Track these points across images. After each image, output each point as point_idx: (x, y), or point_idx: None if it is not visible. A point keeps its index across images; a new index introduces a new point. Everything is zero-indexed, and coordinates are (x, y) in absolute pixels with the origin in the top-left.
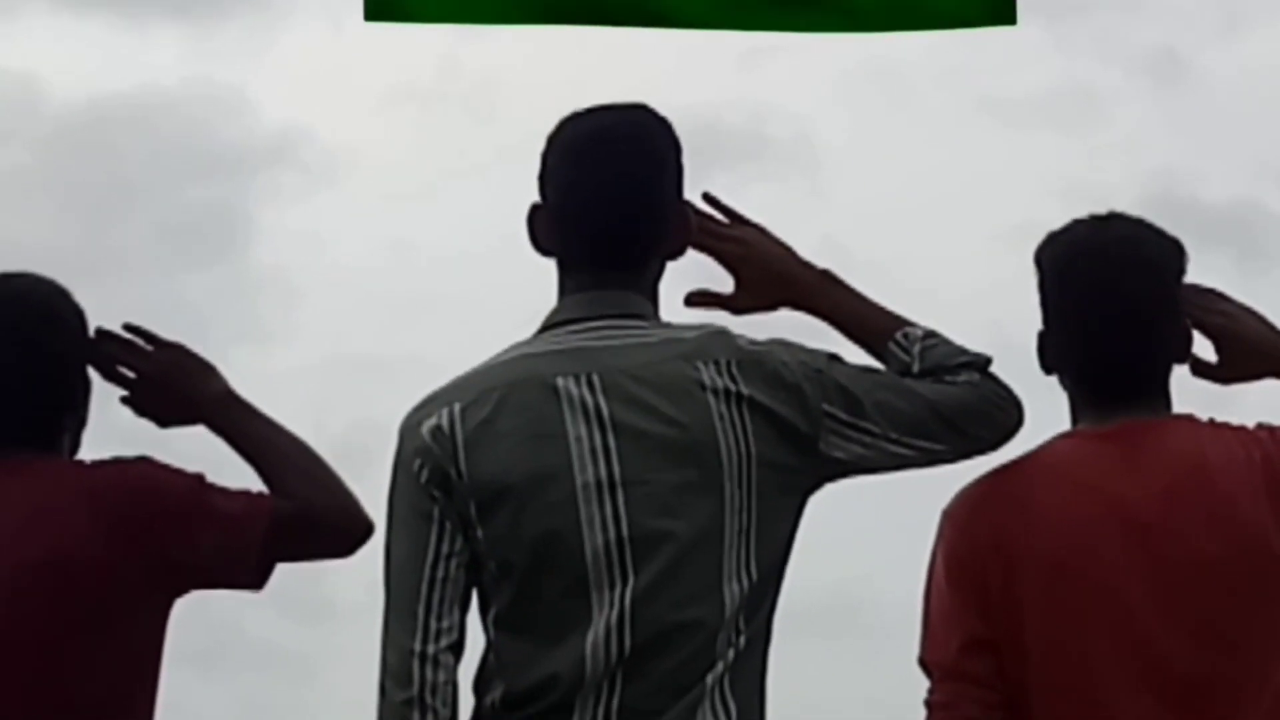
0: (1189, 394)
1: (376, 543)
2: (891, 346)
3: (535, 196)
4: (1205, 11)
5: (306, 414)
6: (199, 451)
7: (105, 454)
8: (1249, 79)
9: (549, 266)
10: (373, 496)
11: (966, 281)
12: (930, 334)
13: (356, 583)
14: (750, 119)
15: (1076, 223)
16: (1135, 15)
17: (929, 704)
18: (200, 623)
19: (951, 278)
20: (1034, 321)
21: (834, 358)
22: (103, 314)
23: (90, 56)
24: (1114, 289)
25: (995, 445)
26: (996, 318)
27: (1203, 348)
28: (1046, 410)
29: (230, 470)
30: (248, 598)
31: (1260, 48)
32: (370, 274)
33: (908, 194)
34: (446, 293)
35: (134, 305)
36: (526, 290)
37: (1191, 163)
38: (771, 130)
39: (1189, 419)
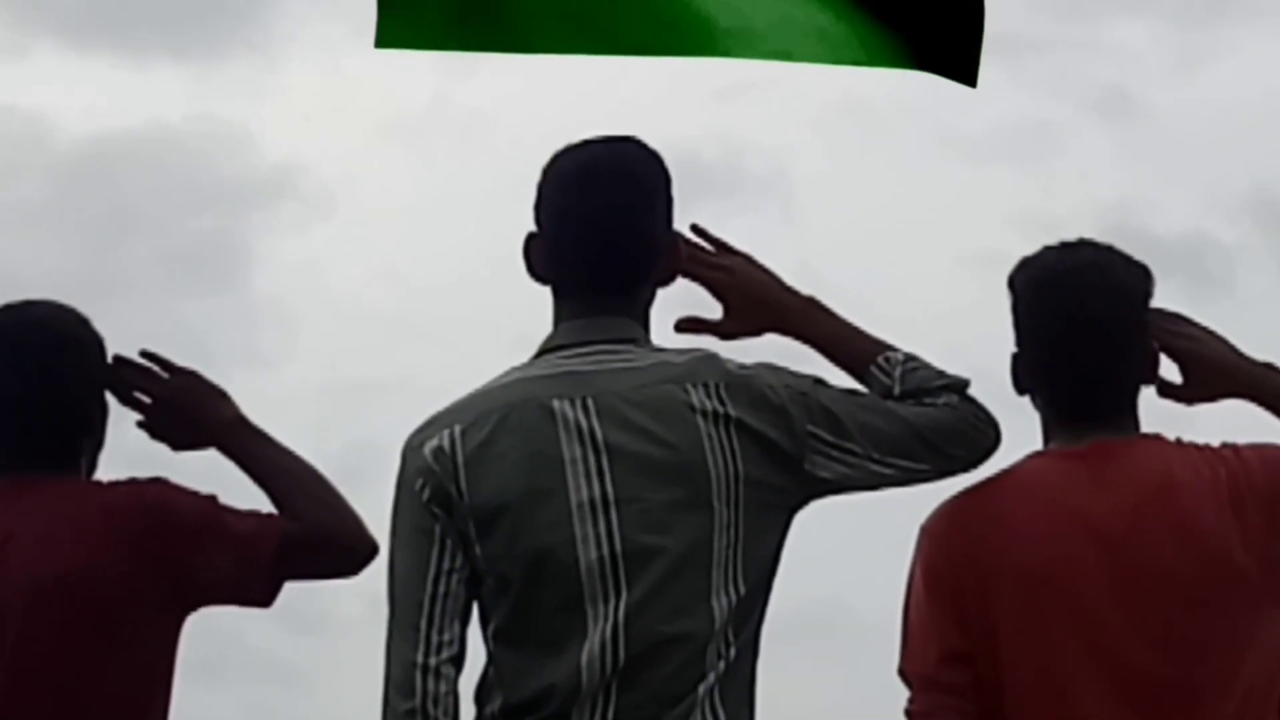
0: (1152, 414)
1: (376, 560)
2: (873, 370)
3: (524, 224)
4: (1156, 52)
5: (304, 436)
6: (206, 473)
7: (118, 475)
8: (1198, 116)
9: (537, 291)
10: (369, 515)
11: (929, 305)
12: (911, 358)
13: (353, 597)
14: (728, 153)
15: (1047, 249)
16: (1089, 54)
17: (909, 713)
18: (202, 634)
19: (915, 302)
20: (995, 343)
21: (819, 381)
22: (109, 339)
23: (97, 95)
24: (1084, 312)
25: (974, 464)
26: (957, 340)
27: (1168, 370)
28: (1011, 430)
29: (238, 492)
30: (248, 611)
31: (1208, 86)
32: (365, 300)
33: (875, 223)
34: (438, 318)
35: (139, 331)
36: (515, 315)
37: (1143, 196)
38: (748, 163)
39: (1157, 438)
